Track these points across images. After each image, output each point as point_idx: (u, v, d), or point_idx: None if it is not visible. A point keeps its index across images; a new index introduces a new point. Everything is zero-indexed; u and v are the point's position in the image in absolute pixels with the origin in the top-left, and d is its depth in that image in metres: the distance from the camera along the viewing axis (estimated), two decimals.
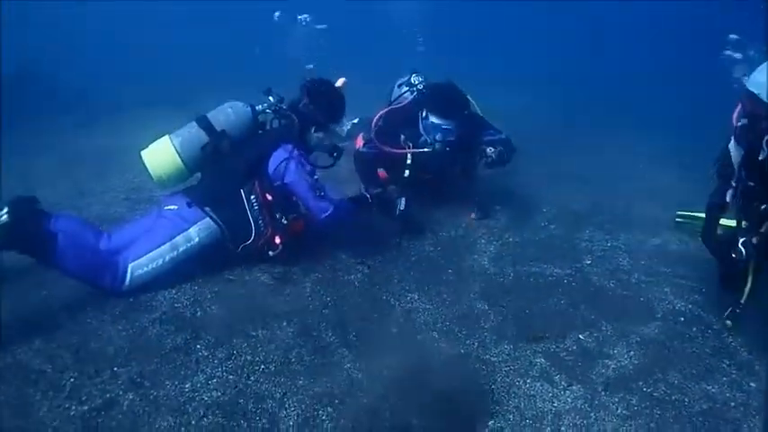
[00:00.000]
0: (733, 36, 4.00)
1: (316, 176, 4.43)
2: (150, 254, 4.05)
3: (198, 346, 3.54)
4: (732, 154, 3.68)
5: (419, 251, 4.92)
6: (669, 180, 7.11)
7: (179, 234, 4.16)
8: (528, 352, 3.64)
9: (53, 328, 3.60)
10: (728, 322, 3.91)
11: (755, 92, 3.35)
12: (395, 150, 5.50)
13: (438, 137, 5.36)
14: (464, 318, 3.98)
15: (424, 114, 5.49)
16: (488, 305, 4.14)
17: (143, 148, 4.41)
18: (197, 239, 4.20)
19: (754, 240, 3.61)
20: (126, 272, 3.95)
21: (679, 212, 5.13)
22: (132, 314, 3.81)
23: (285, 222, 4.43)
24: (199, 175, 4.60)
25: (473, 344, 3.70)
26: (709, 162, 4.09)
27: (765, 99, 3.30)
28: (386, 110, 5.79)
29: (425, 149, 5.41)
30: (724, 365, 3.62)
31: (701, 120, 7.91)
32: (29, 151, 6.91)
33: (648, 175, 7.32)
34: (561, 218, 5.74)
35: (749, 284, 3.75)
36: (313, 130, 4.70)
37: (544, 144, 8.25)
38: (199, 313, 3.87)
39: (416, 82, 5.85)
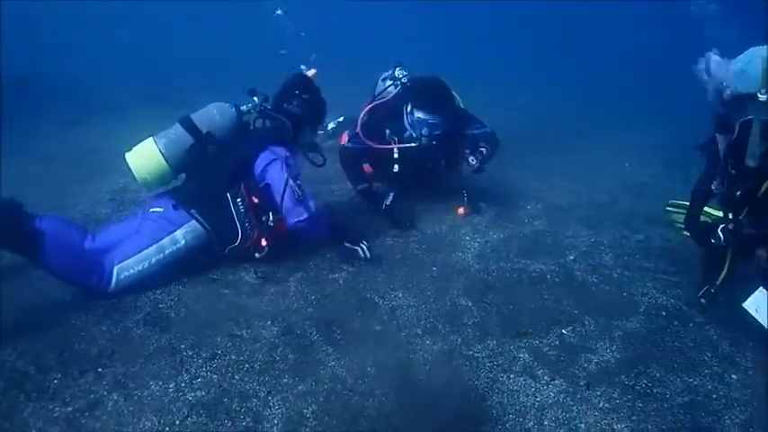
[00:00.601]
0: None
1: (299, 182, 4.41)
2: (136, 256, 4.04)
3: (182, 347, 3.53)
4: (719, 141, 3.73)
5: (403, 249, 4.93)
6: (653, 176, 7.17)
7: (165, 236, 4.16)
8: (511, 347, 3.66)
9: (37, 330, 3.59)
10: (703, 301, 3.99)
11: (732, 80, 3.51)
12: (380, 146, 5.51)
13: (424, 132, 5.38)
14: (448, 314, 4.00)
15: (409, 109, 5.50)
16: (472, 302, 4.16)
17: (127, 150, 4.38)
18: (183, 242, 4.20)
19: (731, 227, 3.68)
20: (112, 274, 3.95)
21: (671, 202, 5.17)
22: (116, 315, 3.80)
23: (271, 225, 4.42)
24: (183, 175, 4.59)
25: (457, 340, 3.72)
26: (692, 157, 4.13)
27: (740, 88, 3.46)
28: (371, 105, 5.80)
29: (412, 144, 5.43)
30: (705, 358, 3.65)
31: (687, 115, 7.97)
32: (14, 151, 6.87)
33: (633, 172, 7.37)
34: (545, 214, 5.77)
35: (725, 270, 3.83)
36: (305, 130, 4.73)
37: (530, 141, 8.32)
38: (183, 313, 3.87)
39: (400, 75, 5.86)
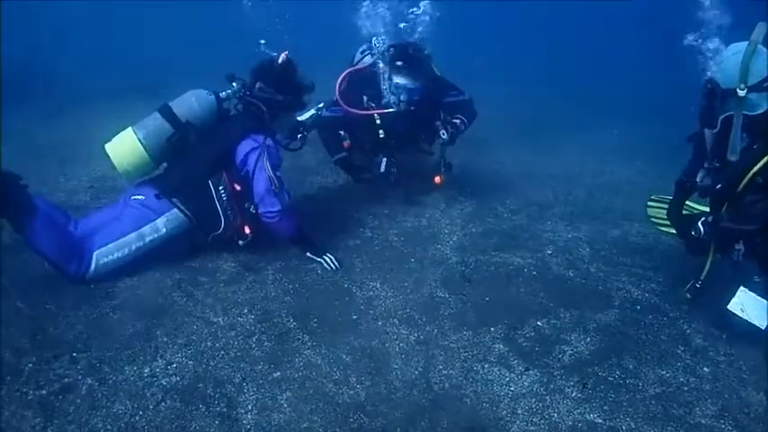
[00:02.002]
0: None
1: (278, 173, 4.40)
2: (116, 242, 4.05)
3: (158, 333, 3.55)
4: (706, 136, 3.78)
5: (382, 240, 4.95)
6: (631, 173, 7.23)
7: (146, 224, 4.16)
8: (487, 338, 3.69)
9: (12, 314, 3.58)
10: (688, 295, 4.04)
11: (713, 75, 3.58)
12: (360, 111, 5.52)
13: (403, 97, 5.40)
14: (425, 305, 4.02)
15: (387, 75, 5.53)
16: (449, 293, 4.18)
17: (106, 142, 4.35)
18: (164, 230, 4.20)
19: (710, 220, 3.73)
20: (91, 259, 3.95)
21: (653, 196, 5.20)
22: (92, 300, 3.80)
23: (253, 212, 4.41)
24: (165, 164, 4.57)
25: (433, 330, 3.74)
26: (672, 155, 4.17)
27: (721, 83, 3.51)
28: (348, 71, 5.81)
29: (391, 110, 5.44)
30: (678, 351, 3.70)
31: (669, 112, 8.04)
32: None
33: (611, 169, 7.42)
34: (525, 209, 5.80)
35: (708, 264, 3.89)
36: (281, 115, 4.69)
37: (511, 135, 8.37)
38: (159, 300, 3.88)
39: (378, 45, 5.88)
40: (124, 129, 4.38)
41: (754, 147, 3.46)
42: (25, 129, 7.53)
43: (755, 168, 3.37)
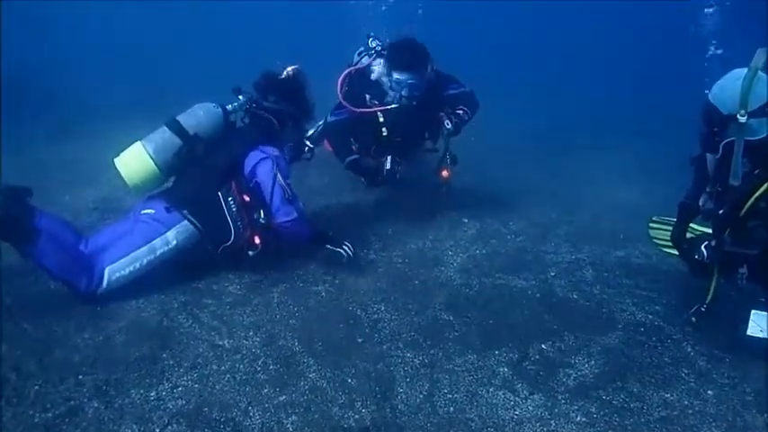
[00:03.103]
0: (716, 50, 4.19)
1: (288, 181, 4.47)
2: (127, 257, 4.07)
3: (164, 355, 3.55)
4: (708, 160, 3.81)
5: (387, 262, 4.96)
6: (634, 194, 7.24)
7: (157, 237, 4.18)
8: (491, 362, 3.69)
9: (18, 335, 3.60)
10: (693, 319, 4.03)
11: (713, 101, 3.63)
12: (363, 110, 5.59)
13: (404, 92, 5.45)
14: (429, 328, 4.03)
15: (387, 72, 5.56)
16: (453, 316, 4.19)
17: (115, 156, 4.38)
18: (175, 243, 4.23)
19: (713, 244, 3.75)
20: (103, 275, 3.97)
21: (655, 218, 5.22)
22: (98, 322, 3.81)
23: (263, 222, 4.46)
24: (173, 178, 4.61)
25: (437, 354, 3.74)
26: (674, 176, 4.18)
27: (722, 110, 3.56)
28: (347, 71, 5.87)
29: (393, 105, 5.51)
30: (683, 374, 3.69)
31: (673, 132, 8.08)
32: None
33: (615, 189, 7.44)
34: (528, 230, 5.82)
35: (713, 288, 3.89)
36: (290, 128, 4.80)
37: (514, 156, 8.40)
38: (165, 322, 3.89)
39: (374, 45, 5.93)
40: (132, 143, 4.41)
41: (756, 172, 3.49)
42: (30, 146, 7.59)
43: (757, 194, 3.40)
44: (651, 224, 5.15)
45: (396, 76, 5.48)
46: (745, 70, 3.50)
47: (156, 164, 4.34)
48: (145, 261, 4.12)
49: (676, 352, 3.92)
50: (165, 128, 4.43)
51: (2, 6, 12.21)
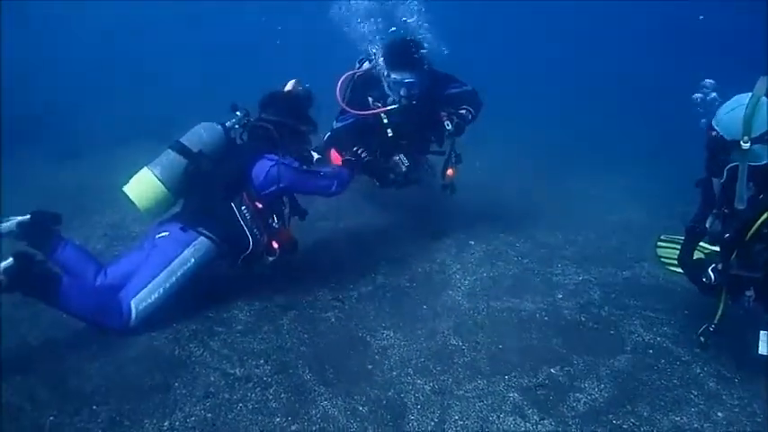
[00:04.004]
0: (708, 80, 4.25)
1: (304, 166, 4.70)
2: (149, 286, 4.11)
3: (176, 384, 3.58)
4: (713, 183, 3.85)
5: (395, 286, 4.99)
6: (641, 213, 7.25)
7: (174, 259, 4.24)
8: (501, 387, 3.71)
9: (31, 366, 3.64)
10: (702, 339, 4.02)
11: (717, 127, 3.69)
12: (366, 112, 5.64)
13: (402, 92, 5.50)
14: (439, 354, 4.04)
15: (386, 74, 5.61)
16: (462, 341, 4.21)
17: (123, 185, 4.47)
18: (193, 260, 4.30)
19: (720, 267, 3.77)
20: (130, 309, 4.02)
21: (662, 237, 5.23)
22: (111, 352, 3.85)
23: (276, 226, 4.62)
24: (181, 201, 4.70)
25: (447, 380, 3.76)
26: (679, 196, 4.20)
27: (726, 136, 3.61)
28: (346, 75, 5.92)
29: (394, 106, 5.56)
30: (692, 396, 3.70)
31: (677, 153, 8.10)
32: (6, 187, 6.90)
33: (621, 209, 7.45)
34: (534, 252, 5.84)
35: (721, 309, 3.89)
36: (290, 140, 4.90)
37: (519, 174, 8.43)
38: (177, 351, 3.92)
39: (374, 51, 5.97)
40: (139, 170, 4.51)
41: (761, 197, 3.53)
42: (37, 173, 7.66)
43: (762, 219, 3.43)
44: (659, 243, 5.17)
45: (393, 76, 5.53)
46: (749, 96, 3.55)
47: (164, 185, 4.45)
48: (167, 285, 4.16)
49: (685, 373, 3.93)
50: (169, 150, 4.56)
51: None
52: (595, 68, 18.18)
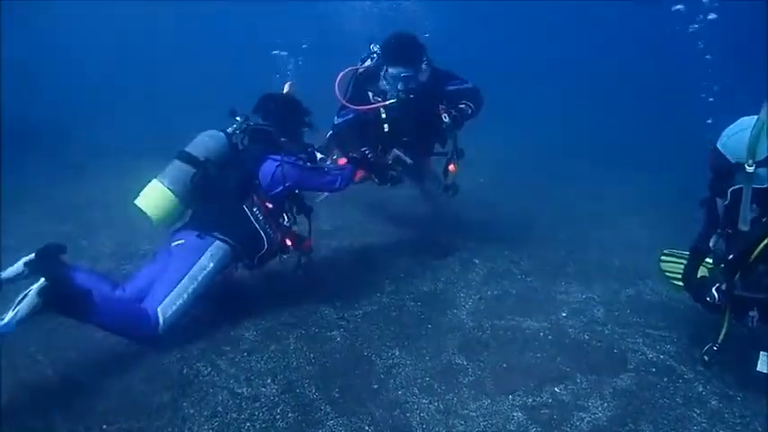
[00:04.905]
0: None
1: (308, 163, 4.87)
2: (173, 293, 4.18)
3: (185, 404, 3.61)
4: (718, 202, 3.90)
5: (399, 306, 5.02)
6: (643, 229, 7.28)
7: (194, 265, 4.33)
8: (505, 406, 3.74)
9: (41, 385, 3.70)
10: (706, 358, 4.04)
11: (722, 150, 3.75)
12: (365, 107, 5.74)
13: (400, 86, 5.57)
14: (443, 373, 4.08)
15: (384, 69, 5.69)
16: (467, 360, 4.24)
17: (134, 199, 4.57)
18: (211, 265, 4.39)
19: (724, 287, 3.82)
20: (158, 317, 4.08)
21: (666, 251, 5.25)
22: (120, 370, 3.89)
23: (287, 225, 4.82)
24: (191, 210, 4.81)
25: (452, 399, 3.79)
26: (683, 211, 4.23)
27: (730, 158, 3.67)
28: (345, 71, 5.99)
29: (392, 101, 5.62)
30: (694, 414, 3.73)
31: (680, 167, 8.14)
32: (12, 205, 6.97)
33: (624, 224, 7.49)
34: (538, 269, 5.88)
35: (725, 328, 3.91)
36: (292, 136, 5.13)
37: (522, 192, 8.48)
38: (185, 370, 3.96)
39: (375, 49, 6.06)
40: (148, 183, 4.63)
41: (764, 219, 3.57)
42: (43, 191, 7.73)
43: (766, 241, 3.47)
44: (662, 257, 5.20)
45: (390, 70, 5.61)
46: (754, 119, 3.60)
47: (175, 194, 4.57)
48: (190, 290, 4.24)
49: (688, 391, 3.96)
50: (176, 160, 4.68)
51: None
52: (599, 72, 18.25)
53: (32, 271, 3.85)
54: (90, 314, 3.79)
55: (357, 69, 6.07)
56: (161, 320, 4.07)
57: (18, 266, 3.93)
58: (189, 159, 4.66)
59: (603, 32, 19.83)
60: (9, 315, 3.38)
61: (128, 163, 8.39)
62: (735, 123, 3.79)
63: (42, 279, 3.57)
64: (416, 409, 3.68)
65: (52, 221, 6.64)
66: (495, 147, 9.64)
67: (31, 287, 3.52)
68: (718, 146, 3.79)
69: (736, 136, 3.69)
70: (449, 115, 5.65)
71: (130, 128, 11.41)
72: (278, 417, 3.56)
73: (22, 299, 3.46)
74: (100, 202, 7.24)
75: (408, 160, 5.74)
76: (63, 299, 3.67)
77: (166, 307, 4.11)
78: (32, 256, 3.91)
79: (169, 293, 4.17)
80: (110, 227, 6.46)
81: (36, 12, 16.50)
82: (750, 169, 3.52)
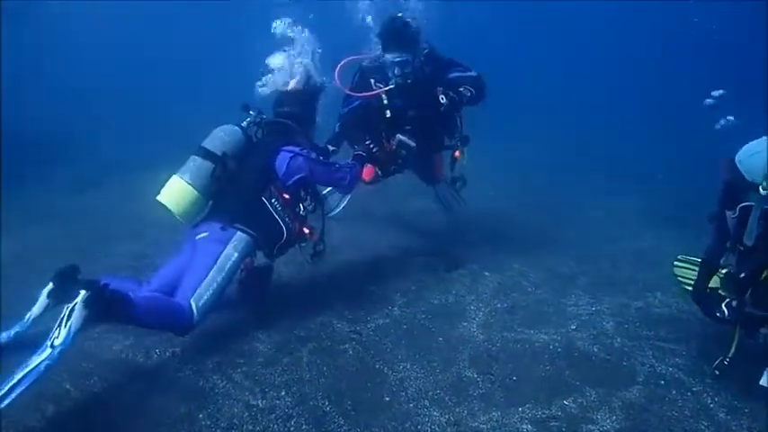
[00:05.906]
0: (716, 92, 4.36)
1: (321, 157, 5.02)
2: (204, 283, 4.31)
3: (201, 416, 3.68)
4: (728, 216, 3.95)
5: (410, 319, 5.08)
6: (653, 241, 7.32)
7: (220, 256, 4.47)
8: (515, 419, 3.79)
9: (61, 397, 3.77)
10: (717, 372, 4.11)
11: (739, 165, 3.81)
12: (367, 93, 5.83)
13: (396, 71, 5.66)
14: (454, 386, 4.13)
15: (383, 56, 5.78)
16: (477, 373, 4.29)
17: (156, 195, 4.68)
18: (236, 254, 4.54)
19: (734, 304, 3.86)
20: (192, 308, 4.19)
21: (680, 257, 5.26)
22: (136, 383, 3.98)
23: (304, 214, 4.97)
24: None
25: (462, 412, 3.85)
26: (692, 222, 4.27)
27: (746, 176, 3.75)
28: (345, 60, 6.05)
29: (390, 87, 5.72)
30: (702, 427, 3.76)
31: (689, 179, 8.17)
32: (28, 216, 7.08)
33: (633, 235, 7.53)
34: (548, 282, 5.93)
35: (735, 342, 3.97)
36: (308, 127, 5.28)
37: (532, 203, 8.53)
38: (201, 383, 4.03)
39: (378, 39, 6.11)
40: (168, 179, 4.75)
41: None
42: (59, 204, 7.84)
43: None
44: (676, 262, 5.22)
45: (387, 55, 5.70)
46: None
47: (196, 189, 4.68)
48: (219, 279, 4.38)
49: (696, 404, 3.99)
50: (195, 156, 4.80)
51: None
52: (613, 83, 18.23)
53: (58, 298, 3.80)
54: (133, 315, 3.87)
55: (360, 58, 6.16)
56: (195, 312, 4.19)
57: (42, 301, 3.99)
58: (207, 155, 4.79)
59: (609, 34, 19.81)
60: (63, 332, 3.43)
61: (138, 172, 8.45)
62: (757, 141, 3.83)
63: (83, 291, 3.59)
64: (427, 422, 3.73)
65: (69, 233, 6.75)
66: (506, 160, 9.69)
67: (74, 301, 3.53)
68: (736, 160, 3.84)
69: (756, 156, 3.74)
70: (446, 96, 5.73)
71: (146, 139, 11.53)
72: (292, 429, 3.62)
73: (69, 314, 3.50)
74: (113, 214, 7.36)
75: (412, 144, 5.82)
76: (108, 305, 3.73)
77: (199, 297, 4.23)
78: (50, 285, 3.89)
79: (200, 285, 4.29)
80: (125, 238, 6.61)
81: (47, 17, 16.64)
82: (764, 192, 3.58)
